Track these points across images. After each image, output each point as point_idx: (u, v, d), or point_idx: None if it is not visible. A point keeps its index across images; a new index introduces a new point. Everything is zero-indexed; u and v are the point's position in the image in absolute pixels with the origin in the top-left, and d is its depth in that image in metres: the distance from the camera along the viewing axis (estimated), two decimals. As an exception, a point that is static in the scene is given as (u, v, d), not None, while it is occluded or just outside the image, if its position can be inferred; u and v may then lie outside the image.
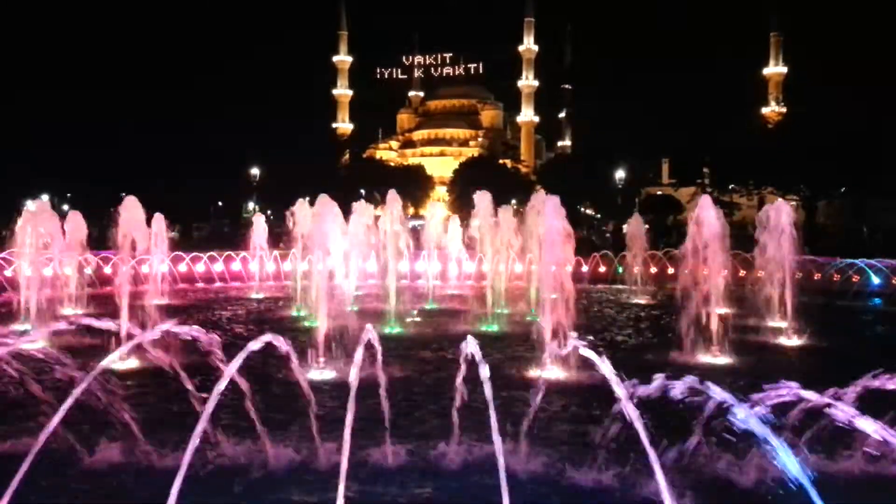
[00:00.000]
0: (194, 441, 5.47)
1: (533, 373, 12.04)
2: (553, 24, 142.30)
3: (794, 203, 62.00)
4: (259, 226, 30.60)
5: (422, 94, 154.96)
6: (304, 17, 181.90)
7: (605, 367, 6.12)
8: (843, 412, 5.38)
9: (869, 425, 5.12)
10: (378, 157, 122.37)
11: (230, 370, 6.42)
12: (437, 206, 67.79)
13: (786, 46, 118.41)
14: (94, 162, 67.87)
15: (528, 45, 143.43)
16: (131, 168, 64.92)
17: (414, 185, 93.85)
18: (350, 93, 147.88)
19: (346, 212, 21.14)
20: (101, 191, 62.19)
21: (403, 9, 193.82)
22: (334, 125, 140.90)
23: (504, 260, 22.59)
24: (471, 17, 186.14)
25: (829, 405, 5.62)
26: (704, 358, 13.73)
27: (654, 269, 31.82)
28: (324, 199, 16.13)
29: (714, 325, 14.13)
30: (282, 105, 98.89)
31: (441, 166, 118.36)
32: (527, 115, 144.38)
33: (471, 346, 6.79)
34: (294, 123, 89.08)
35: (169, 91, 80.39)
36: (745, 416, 5.18)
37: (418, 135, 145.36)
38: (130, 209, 17.19)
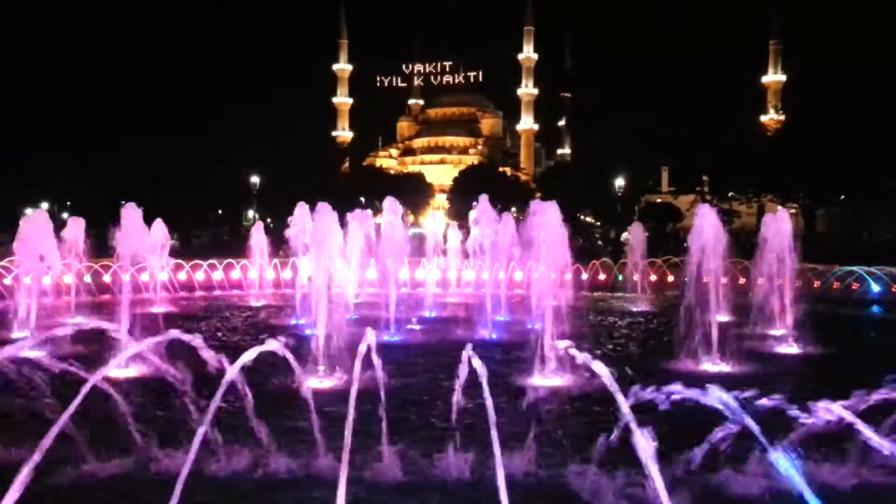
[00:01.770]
0: (194, 447, 5.46)
1: (532, 380, 12.03)
2: (552, 32, 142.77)
3: (793, 211, 62.12)
4: (258, 234, 30.65)
5: (422, 102, 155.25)
6: (304, 20, 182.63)
7: (613, 384, 6.07)
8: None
9: None
10: (378, 164, 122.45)
11: (228, 377, 6.42)
12: (437, 213, 67.82)
13: (785, 50, 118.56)
14: (94, 165, 68.02)
15: (528, 53, 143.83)
16: (131, 172, 65.08)
17: (414, 192, 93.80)
18: (350, 101, 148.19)
19: (346, 220, 21.18)
20: (101, 193, 62.32)
21: (403, 9, 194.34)
22: (334, 133, 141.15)
23: (504, 268, 22.61)
24: (470, 21, 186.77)
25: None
26: (704, 366, 13.71)
27: (653, 277, 31.81)
28: (324, 208, 16.14)
29: (714, 333, 14.12)
30: (282, 111, 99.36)
31: (441, 174, 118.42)
32: (526, 122, 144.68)
33: (471, 357, 6.78)
34: (294, 130, 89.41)
35: (168, 93, 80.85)
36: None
37: (418, 143, 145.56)
38: (130, 217, 17.19)
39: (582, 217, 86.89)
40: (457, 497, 7.11)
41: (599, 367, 6.21)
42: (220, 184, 71.48)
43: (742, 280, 26.02)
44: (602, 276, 35.86)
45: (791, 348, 16.24)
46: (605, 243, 72.42)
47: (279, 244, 36.88)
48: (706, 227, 15.28)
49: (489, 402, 5.93)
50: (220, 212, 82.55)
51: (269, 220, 64.28)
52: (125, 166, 66.87)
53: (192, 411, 7.59)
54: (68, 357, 7.85)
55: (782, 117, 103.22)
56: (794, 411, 6.05)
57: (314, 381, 11.66)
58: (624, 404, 5.70)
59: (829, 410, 5.75)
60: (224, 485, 7.26)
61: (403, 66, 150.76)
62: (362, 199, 73.01)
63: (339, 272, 17.13)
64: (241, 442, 7.96)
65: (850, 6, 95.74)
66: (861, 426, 5.51)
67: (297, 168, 75.71)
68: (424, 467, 7.70)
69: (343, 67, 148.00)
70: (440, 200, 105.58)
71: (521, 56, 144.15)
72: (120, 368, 11.59)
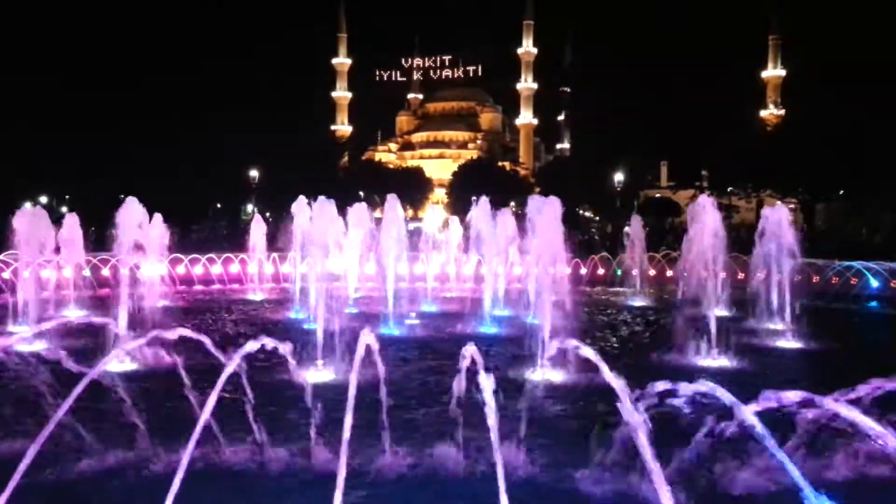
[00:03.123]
0: (192, 442, 5.45)
1: (531, 375, 12.02)
2: (552, 27, 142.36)
3: (792, 206, 62.09)
4: (258, 228, 30.64)
5: (421, 96, 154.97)
6: (303, 15, 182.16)
7: (613, 379, 6.05)
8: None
9: None
10: (377, 159, 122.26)
11: (227, 372, 6.41)
12: (436, 208, 67.84)
13: (785, 47, 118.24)
14: (93, 162, 67.94)
15: (527, 47, 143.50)
16: (130, 168, 65.05)
17: (413, 187, 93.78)
18: (349, 95, 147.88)
19: (345, 214, 21.19)
20: (100, 190, 62.21)
21: (403, 8, 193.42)
22: (333, 127, 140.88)
23: (502, 262, 22.60)
24: (470, 17, 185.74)
25: None
26: (703, 361, 13.72)
27: (652, 272, 31.83)
28: (323, 202, 16.15)
29: (713, 327, 14.13)
30: (281, 106, 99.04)
31: (440, 168, 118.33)
32: (526, 117, 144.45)
33: (471, 352, 6.76)
34: (293, 125, 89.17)
35: (167, 88, 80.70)
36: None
37: (417, 137, 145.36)
38: (129, 211, 17.17)
39: (581, 212, 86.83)
40: (455, 492, 7.10)
41: (608, 373, 6.16)
42: (219, 178, 71.41)
43: (741, 275, 26.02)
44: (601, 271, 35.87)
45: (789, 343, 16.25)
46: (603, 238, 72.31)
47: (278, 238, 36.87)
48: (705, 218, 15.30)
49: (489, 397, 5.92)
50: (218, 206, 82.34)
51: (268, 214, 64.19)
52: (124, 161, 66.85)
53: (189, 405, 7.58)
54: (65, 351, 7.83)
55: (782, 112, 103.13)
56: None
57: (313, 375, 11.66)
58: (627, 405, 5.67)
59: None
60: (222, 480, 7.25)
61: (403, 60, 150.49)
62: (361, 193, 72.95)
63: (338, 266, 17.14)
64: (238, 436, 7.94)
65: (850, 4, 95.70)
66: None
67: (297, 162, 75.56)
68: (423, 461, 7.69)
69: (342, 62, 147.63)
70: (439, 195, 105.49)
71: (520, 50, 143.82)
72: (117, 363, 11.59)
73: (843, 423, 5.53)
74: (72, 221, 22.46)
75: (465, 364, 6.89)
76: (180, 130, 71.89)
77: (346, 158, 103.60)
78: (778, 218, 17.92)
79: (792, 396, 5.63)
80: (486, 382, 6.07)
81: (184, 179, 67.65)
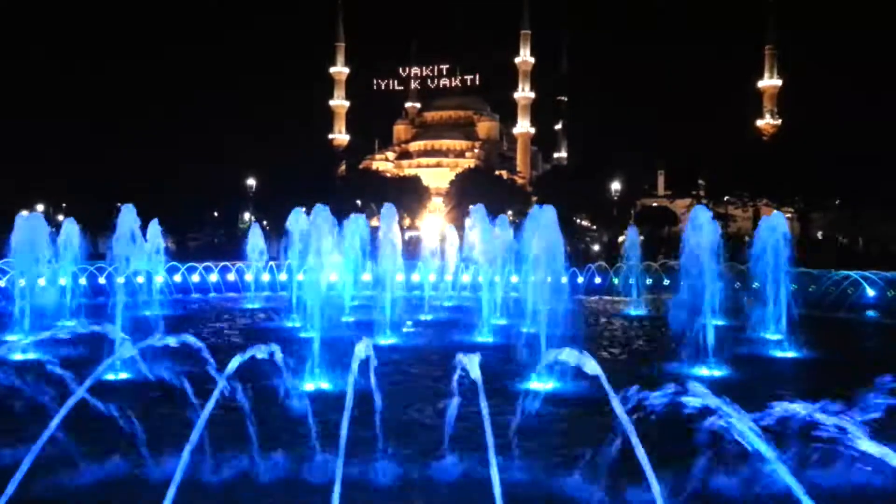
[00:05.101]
0: (187, 451, 5.43)
1: (527, 384, 12.00)
2: (550, 36, 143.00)
3: (789, 215, 62.18)
4: (255, 236, 30.64)
5: (418, 105, 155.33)
6: (302, 24, 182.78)
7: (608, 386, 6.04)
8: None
9: None
10: (374, 167, 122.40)
11: (223, 380, 6.39)
12: (434, 217, 67.90)
13: (782, 57, 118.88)
14: (90, 168, 68.05)
15: (525, 56, 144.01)
16: (127, 175, 65.14)
17: (410, 196, 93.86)
18: (346, 104, 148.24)
19: (342, 223, 21.18)
20: (97, 198, 62.22)
21: (402, 16, 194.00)
22: (331, 136, 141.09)
23: (500, 271, 22.61)
24: (468, 25, 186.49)
25: None
26: (699, 370, 13.70)
27: (649, 281, 31.86)
28: (320, 211, 16.14)
29: (709, 337, 14.11)
30: (279, 114, 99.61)
31: (437, 177, 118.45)
32: (523, 126, 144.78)
33: (465, 362, 6.75)
34: (291, 134, 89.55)
35: (167, 96, 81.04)
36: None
37: (415, 146, 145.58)
38: (126, 219, 17.17)
39: (578, 221, 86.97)
40: (452, 500, 7.08)
41: (597, 370, 6.17)
42: (216, 186, 71.51)
43: (738, 284, 26.03)
44: (598, 280, 35.88)
45: (787, 352, 16.25)
46: (605, 247, 72.36)
47: (275, 246, 36.87)
48: (701, 228, 15.30)
49: (484, 407, 5.91)
50: (215, 214, 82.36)
51: (265, 222, 64.21)
52: (122, 169, 66.98)
53: (183, 416, 7.55)
54: (61, 360, 7.81)
55: (778, 121, 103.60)
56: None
57: (309, 385, 11.64)
58: (623, 414, 5.67)
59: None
60: (217, 489, 7.22)
61: (400, 69, 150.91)
62: (359, 201, 73.00)
63: (335, 275, 17.12)
64: (234, 446, 7.91)
65: (849, 10, 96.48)
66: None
67: (294, 171, 75.71)
68: (419, 471, 7.67)
69: (340, 70, 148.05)
70: (436, 203, 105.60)
71: (517, 60, 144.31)
72: (113, 372, 11.58)
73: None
74: (69, 229, 22.39)
75: (460, 373, 6.87)
76: (178, 139, 72.11)
77: (343, 167, 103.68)
78: (774, 227, 17.92)
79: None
80: (481, 391, 6.07)
81: (182, 188, 67.73)
